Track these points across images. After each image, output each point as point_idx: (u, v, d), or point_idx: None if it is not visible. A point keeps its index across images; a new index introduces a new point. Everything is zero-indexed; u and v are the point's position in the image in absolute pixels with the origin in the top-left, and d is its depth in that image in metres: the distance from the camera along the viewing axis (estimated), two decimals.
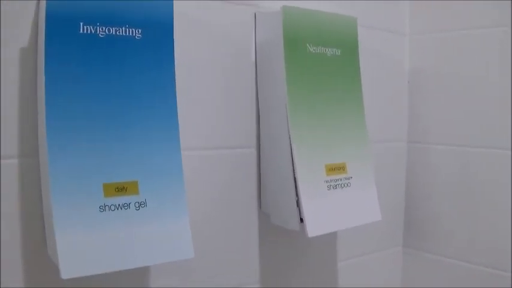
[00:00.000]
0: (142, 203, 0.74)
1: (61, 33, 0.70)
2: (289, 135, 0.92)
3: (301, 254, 1.13)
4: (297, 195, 0.93)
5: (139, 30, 0.76)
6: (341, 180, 0.98)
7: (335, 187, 0.97)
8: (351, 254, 1.25)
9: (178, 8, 0.82)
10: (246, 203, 1.02)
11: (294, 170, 0.92)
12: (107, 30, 0.74)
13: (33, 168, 0.76)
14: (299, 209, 0.92)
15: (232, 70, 0.99)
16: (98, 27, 0.73)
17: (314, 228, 0.92)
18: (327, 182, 0.96)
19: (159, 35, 0.78)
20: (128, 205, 0.73)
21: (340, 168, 0.99)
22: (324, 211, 0.94)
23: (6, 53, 0.73)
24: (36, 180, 0.76)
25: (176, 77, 0.80)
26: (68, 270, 0.68)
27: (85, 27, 0.72)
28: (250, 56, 1.01)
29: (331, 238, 1.19)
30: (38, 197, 0.76)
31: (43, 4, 0.70)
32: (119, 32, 0.75)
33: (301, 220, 0.92)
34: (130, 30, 0.76)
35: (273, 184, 0.99)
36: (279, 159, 0.96)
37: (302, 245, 1.12)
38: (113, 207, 0.72)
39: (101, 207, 0.71)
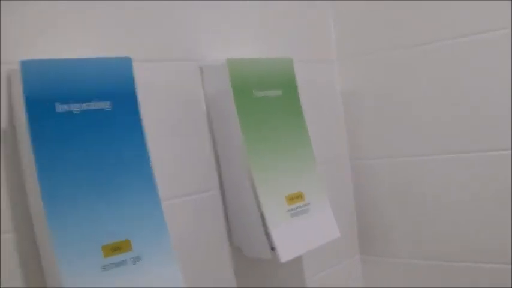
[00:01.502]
0: (137, 257, 0.82)
1: (41, 114, 0.77)
2: (251, 176, 1.01)
3: (270, 280, 1.20)
4: (264, 226, 1.01)
5: (108, 102, 0.84)
6: (300, 207, 1.08)
7: (296, 214, 1.06)
8: (314, 271, 1.33)
9: None
10: (217, 242, 1.09)
11: (258, 205, 1.01)
12: (80, 107, 0.81)
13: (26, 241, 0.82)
14: (269, 239, 1.01)
15: (186, 122, 1.05)
16: (72, 105, 0.80)
17: (285, 253, 1.01)
18: (289, 211, 1.05)
19: (126, 103, 0.86)
20: (125, 261, 0.80)
21: (298, 197, 1.08)
22: (291, 237, 1.04)
23: None
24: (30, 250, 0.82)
25: None
26: None
27: (60, 106, 0.79)
28: (201, 107, 1.07)
29: (296, 260, 1.26)
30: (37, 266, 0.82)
31: (19, 89, 0.76)
32: (91, 106, 0.82)
33: (272, 248, 1.01)
34: (100, 103, 0.83)
35: (240, 221, 1.07)
36: (243, 197, 1.04)
37: (270, 271, 1.19)
38: (112, 266, 0.79)
39: (103, 267, 0.78)
